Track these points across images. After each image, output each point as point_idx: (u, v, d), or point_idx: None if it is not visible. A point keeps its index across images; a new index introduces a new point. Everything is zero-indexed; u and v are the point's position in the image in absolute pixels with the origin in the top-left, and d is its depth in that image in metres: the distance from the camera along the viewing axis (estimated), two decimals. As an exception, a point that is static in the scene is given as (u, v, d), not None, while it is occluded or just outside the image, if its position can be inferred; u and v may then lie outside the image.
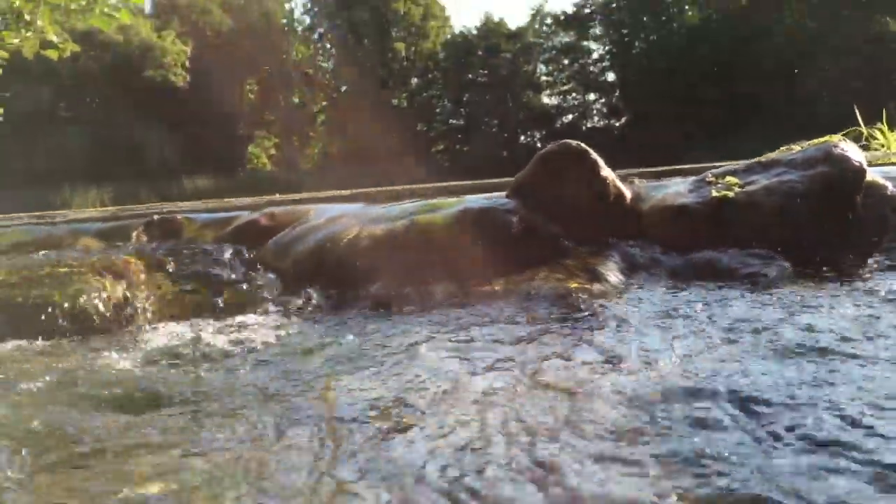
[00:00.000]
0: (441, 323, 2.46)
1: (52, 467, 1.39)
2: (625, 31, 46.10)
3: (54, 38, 8.03)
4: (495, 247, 3.14)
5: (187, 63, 46.05)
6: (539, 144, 50.10)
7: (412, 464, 1.28)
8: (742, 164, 3.48)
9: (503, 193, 3.55)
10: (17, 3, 7.69)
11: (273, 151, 55.94)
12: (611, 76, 47.76)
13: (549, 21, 49.67)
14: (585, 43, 48.20)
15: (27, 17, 7.75)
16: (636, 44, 45.85)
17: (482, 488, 1.17)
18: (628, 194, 3.45)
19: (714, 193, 3.20)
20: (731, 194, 3.16)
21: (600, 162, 3.37)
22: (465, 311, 2.61)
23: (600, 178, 3.34)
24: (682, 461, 1.22)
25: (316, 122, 55.53)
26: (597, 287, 2.79)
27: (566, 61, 48.77)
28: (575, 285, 2.81)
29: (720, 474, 1.16)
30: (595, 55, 48.35)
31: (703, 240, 3.10)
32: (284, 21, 54.28)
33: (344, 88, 54.21)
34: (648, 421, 1.41)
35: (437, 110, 53.64)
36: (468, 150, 50.15)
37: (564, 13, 48.56)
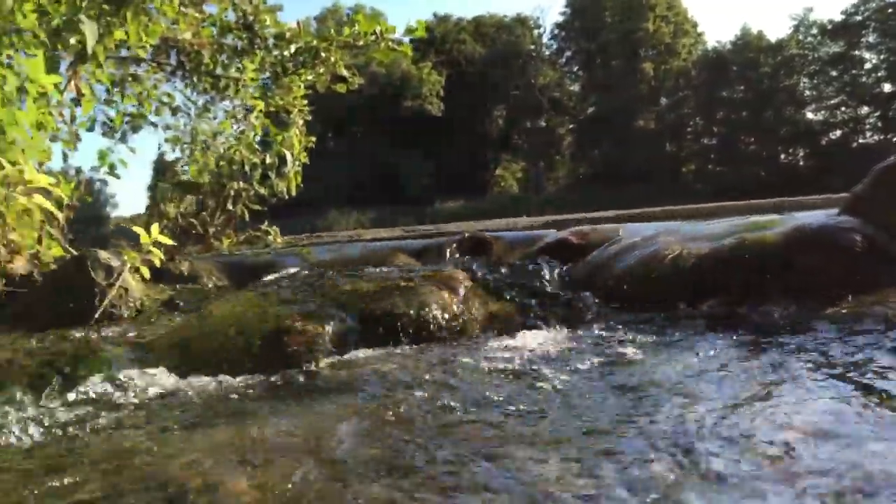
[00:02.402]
0: (793, 344, 2.32)
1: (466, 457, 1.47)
2: (904, 37, 41.80)
3: (345, 73, 8.82)
4: (836, 266, 2.93)
5: (442, 92, 48.50)
6: (801, 163, 46.75)
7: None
8: None
9: (835, 210, 3.31)
10: (315, 42, 8.52)
11: (520, 174, 57.18)
12: (887, 87, 43.40)
13: (814, 31, 46.36)
14: (857, 52, 44.28)
15: (322, 55, 8.58)
16: (918, 49, 41.39)
17: None
18: None
19: None
20: None
21: (957, 174, 3.04)
22: (817, 334, 2.44)
23: (958, 192, 3.01)
24: None
25: (562, 145, 56.01)
26: (972, 312, 2.50)
27: (834, 73, 45.09)
28: (943, 310, 2.54)
29: None
30: (868, 65, 44.26)
31: None
32: (532, 47, 55.44)
33: (591, 111, 54.22)
34: None
35: (688, 129, 51.93)
36: (721, 171, 48.02)
37: (831, 21, 45.08)
